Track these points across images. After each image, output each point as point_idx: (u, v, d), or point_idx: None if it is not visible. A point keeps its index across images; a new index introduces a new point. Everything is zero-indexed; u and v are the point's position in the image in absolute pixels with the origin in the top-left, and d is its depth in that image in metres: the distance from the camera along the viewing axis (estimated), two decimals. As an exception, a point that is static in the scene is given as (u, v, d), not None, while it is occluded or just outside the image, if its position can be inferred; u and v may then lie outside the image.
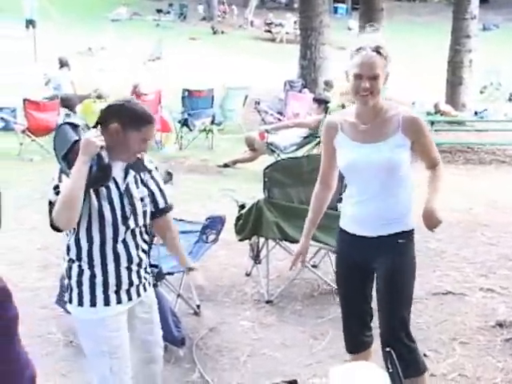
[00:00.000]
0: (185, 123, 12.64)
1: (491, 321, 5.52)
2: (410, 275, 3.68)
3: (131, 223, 3.25)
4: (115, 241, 3.22)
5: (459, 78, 15.97)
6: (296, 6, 33.23)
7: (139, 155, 3.30)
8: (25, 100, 11.64)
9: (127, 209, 3.22)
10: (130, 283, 3.32)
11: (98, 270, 3.22)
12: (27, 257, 6.74)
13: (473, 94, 16.36)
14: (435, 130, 13.01)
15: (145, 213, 3.34)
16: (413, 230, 3.69)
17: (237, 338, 5.22)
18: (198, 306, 5.61)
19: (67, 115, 11.94)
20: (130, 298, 3.34)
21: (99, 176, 3.07)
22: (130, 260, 3.29)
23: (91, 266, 3.21)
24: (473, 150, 13.15)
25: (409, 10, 41.03)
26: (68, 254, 3.27)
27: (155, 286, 4.70)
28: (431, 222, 3.47)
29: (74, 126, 3.13)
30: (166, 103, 13.06)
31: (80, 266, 3.23)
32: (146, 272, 3.46)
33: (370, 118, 3.53)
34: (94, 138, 3.01)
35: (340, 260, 3.92)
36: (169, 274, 5.14)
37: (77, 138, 3.06)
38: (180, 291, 5.41)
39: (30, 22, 22.76)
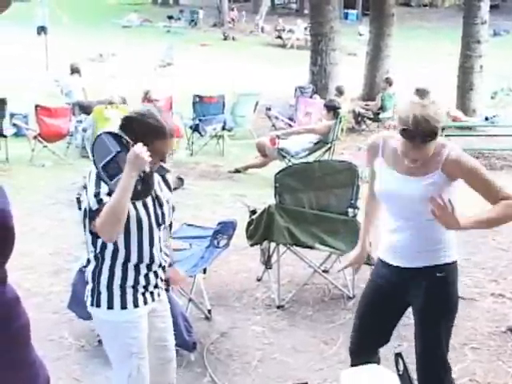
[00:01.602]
0: (196, 129, 12.67)
1: (502, 326, 5.51)
2: (450, 313, 3.57)
3: (162, 226, 3.37)
4: (151, 244, 3.29)
5: (470, 83, 15.95)
6: (306, 12, 33.27)
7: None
8: (37, 106, 11.69)
9: (159, 212, 3.33)
10: (155, 285, 3.42)
11: (130, 273, 3.28)
12: (39, 262, 6.78)
13: (483, 99, 16.33)
14: (445, 136, 12.99)
15: (169, 214, 3.46)
16: (454, 262, 3.54)
17: (248, 343, 5.24)
18: (210, 311, 5.63)
19: (79, 122, 11.98)
20: (153, 299, 3.42)
21: (144, 190, 3.15)
22: (158, 262, 3.38)
23: (125, 269, 3.27)
24: (483, 156, 13.11)
25: (419, 15, 41.03)
26: (100, 257, 3.28)
27: (167, 290, 4.74)
28: (445, 218, 3.26)
29: (115, 136, 3.14)
30: (177, 109, 13.11)
31: (112, 270, 3.26)
32: (164, 273, 3.53)
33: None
34: (143, 153, 3.03)
35: (370, 287, 3.78)
36: (180, 278, 5.17)
37: (119, 149, 3.08)
38: (191, 296, 5.43)
39: (41, 29, 22.82)
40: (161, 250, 3.41)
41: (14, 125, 12.44)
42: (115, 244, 3.22)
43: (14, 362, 1.98)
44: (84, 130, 11.39)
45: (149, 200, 3.28)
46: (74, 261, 5.91)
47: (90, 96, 13.97)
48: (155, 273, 3.39)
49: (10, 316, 2.02)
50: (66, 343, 5.16)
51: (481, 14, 15.87)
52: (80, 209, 3.30)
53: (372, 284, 3.77)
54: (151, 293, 3.40)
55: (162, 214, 3.36)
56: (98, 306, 3.30)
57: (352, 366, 3.78)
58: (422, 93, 14.01)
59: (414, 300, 3.55)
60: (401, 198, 3.41)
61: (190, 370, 4.78)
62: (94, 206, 3.06)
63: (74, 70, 14.22)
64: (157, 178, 3.37)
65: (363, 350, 3.77)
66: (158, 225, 3.34)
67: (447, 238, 3.50)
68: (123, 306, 3.28)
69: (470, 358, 4.98)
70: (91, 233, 3.22)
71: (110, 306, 3.28)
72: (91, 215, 3.09)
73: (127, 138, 3.13)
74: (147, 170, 3.11)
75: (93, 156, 3.16)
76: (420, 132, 3.11)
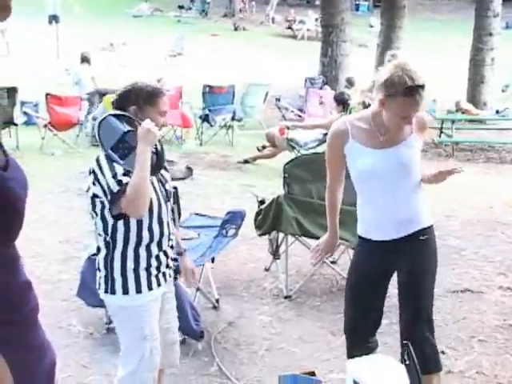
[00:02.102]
0: (205, 119, 12.68)
1: (509, 319, 5.51)
2: (433, 272, 3.73)
3: (169, 204, 3.43)
4: (160, 222, 3.33)
5: (481, 76, 15.91)
6: (317, 3, 33.19)
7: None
8: (47, 95, 11.72)
9: (163, 190, 3.39)
10: (167, 265, 3.45)
11: (142, 256, 3.30)
12: (49, 250, 6.81)
13: (494, 92, 16.28)
14: (456, 129, 12.98)
15: (170, 192, 3.49)
16: (432, 226, 3.74)
17: (255, 333, 5.25)
18: (217, 300, 5.65)
19: (89, 111, 12.02)
20: (165, 280, 3.46)
21: (158, 164, 3.22)
22: (166, 241, 3.41)
23: (137, 252, 3.29)
24: (494, 149, 13.09)
25: (431, 7, 40.85)
26: (111, 242, 3.29)
27: (175, 279, 4.76)
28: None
29: (120, 117, 3.19)
30: (187, 99, 13.12)
31: (124, 254, 3.28)
32: (173, 253, 3.57)
33: (390, 129, 3.56)
34: (153, 127, 3.12)
35: (357, 267, 3.86)
36: (188, 267, 5.18)
37: (125, 129, 3.12)
38: (199, 285, 5.45)
39: (53, 18, 22.82)
40: (169, 227, 3.43)
41: (25, 113, 12.50)
42: (126, 225, 3.23)
43: (20, 344, 1.99)
44: (94, 119, 11.41)
45: (153, 178, 3.31)
46: (83, 249, 5.93)
47: (100, 85, 13.99)
48: (165, 252, 3.41)
49: (21, 301, 2.03)
50: (75, 330, 5.18)
51: (493, 7, 15.82)
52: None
53: (357, 265, 3.87)
54: (163, 274, 3.42)
55: (166, 190, 3.42)
56: (113, 292, 3.31)
57: (350, 356, 3.78)
58: (349, 81, 14.09)
59: (403, 266, 3.68)
60: (385, 172, 3.54)
61: (198, 359, 4.79)
62: (115, 189, 3.10)
63: (84, 59, 14.24)
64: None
65: (360, 338, 3.83)
66: (166, 201, 3.39)
67: (422, 203, 3.70)
68: (138, 290, 3.30)
69: (477, 351, 4.98)
70: (102, 219, 3.24)
71: (126, 292, 3.29)
72: (113, 198, 3.11)
73: (130, 115, 3.21)
74: (158, 144, 3.20)
75: (100, 140, 3.19)
76: (419, 85, 3.38)
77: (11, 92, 11.34)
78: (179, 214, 4.91)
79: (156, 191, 3.31)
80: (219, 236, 5.52)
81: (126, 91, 3.33)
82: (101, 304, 4.56)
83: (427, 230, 3.69)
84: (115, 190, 3.09)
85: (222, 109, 12.81)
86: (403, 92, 3.34)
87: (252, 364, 4.77)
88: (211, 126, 12.80)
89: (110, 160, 3.14)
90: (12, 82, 12.19)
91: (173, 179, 3.75)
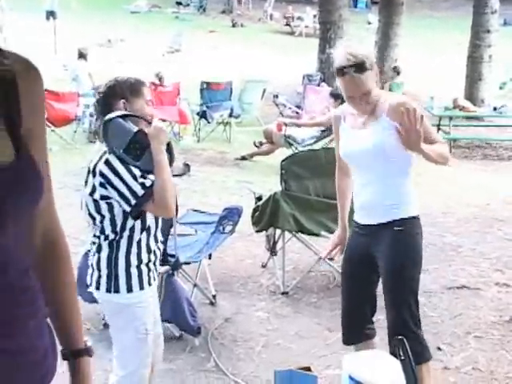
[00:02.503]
0: (203, 115, 12.67)
1: (506, 315, 5.53)
2: (411, 263, 3.67)
3: None
4: (155, 217, 3.35)
5: (478, 73, 15.90)
6: (315, -1, 33.20)
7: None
8: (44, 90, 11.68)
9: None
10: (156, 257, 3.45)
11: (144, 249, 3.30)
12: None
13: (492, 89, 16.27)
14: (453, 126, 12.98)
15: None
16: (413, 218, 3.68)
17: (252, 329, 5.27)
18: (214, 296, 5.66)
19: (86, 106, 11.99)
20: (157, 274, 3.52)
21: (171, 160, 3.20)
22: (158, 234, 3.43)
23: (139, 248, 3.29)
24: (491, 146, 13.11)
25: (429, 4, 40.78)
26: (115, 243, 3.27)
27: (172, 275, 4.78)
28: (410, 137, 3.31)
29: (125, 117, 3.16)
30: (185, 95, 13.11)
31: (128, 253, 3.27)
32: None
33: (366, 113, 3.59)
34: (163, 126, 3.17)
35: (347, 250, 3.94)
36: (185, 263, 5.20)
37: (135, 129, 3.09)
38: (196, 281, 5.46)
39: (50, 14, 22.79)
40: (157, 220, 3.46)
41: (22, 109, 12.47)
42: (133, 224, 3.25)
43: None
44: (92, 115, 11.40)
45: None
46: (80, 245, 5.92)
47: (97, 81, 13.96)
48: (158, 247, 3.44)
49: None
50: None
51: (491, 4, 15.80)
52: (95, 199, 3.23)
53: (347, 248, 3.94)
54: (155, 267, 3.45)
55: None
56: (117, 291, 3.29)
57: (345, 341, 3.95)
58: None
59: (379, 255, 3.68)
60: (359, 153, 3.60)
61: (195, 355, 4.81)
62: (140, 192, 3.10)
63: (81, 55, 14.22)
64: None
65: (354, 325, 3.89)
66: None
67: (403, 193, 3.64)
68: (141, 287, 3.31)
69: (473, 347, 5.00)
70: (111, 219, 3.21)
71: (130, 290, 3.29)
72: (139, 201, 3.11)
73: (122, 108, 3.22)
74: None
75: (108, 142, 3.14)
76: (350, 65, 3.36)
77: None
78: (176, 211, 4.91)
79: None
80: (216, 232, 5.53)
81: (111, 86, 3.33)
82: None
83: (405, 222, 3.63)
84: (140, 194, 3.10)
85: (220, 105, 12.81)
86: (336, 72, 3.43)
87: (249, 360, 4.79)
88: (209, 122, 12.79)
89: (124, 162, 3.12)
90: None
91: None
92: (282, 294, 5.87)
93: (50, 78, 15.20)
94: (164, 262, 4.54)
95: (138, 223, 3.24)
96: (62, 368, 1.91)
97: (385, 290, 3.70)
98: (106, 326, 4.95)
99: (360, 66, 3.38)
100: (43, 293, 1.83)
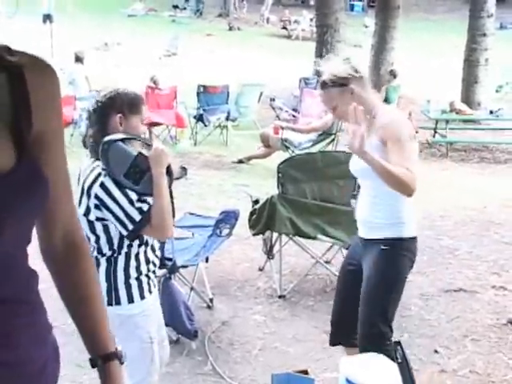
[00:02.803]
0: (200, 119, 12.65)
1: (503, 318, 5.53)
2: (384, 285, 3.65)
3: None
4: None
5: (475, 76, 15.92)
6: (312, 3, 33.19)
7: None
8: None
9: None
10: (155, 265, 3.43)
11: (142, 259, 3.28)
12: (43, 249, 6.79)
13: (488, 92, 16.30)
14: (450, 129, 12.99)
15: None
16: (402, 239, 3.63)
17: (249, 332, 5.27)
18: (211, 300, 5.66)
19: (83, 110, 11.97)
20: (156, 282, 3.49)
21: (170, 182, 3.16)
22: (156, 246, 3.42)
23: (138, 259, 3.26)
24: (488, 149, 13.11)
25: (425, 7, 40.84)
26: (114, 256, 3.25)
27: (169, 278, 4.77)
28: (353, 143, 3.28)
29: (125, 140, 3.10)
30: (182, 99, 13.10)
31: (127, 264, 3.25)
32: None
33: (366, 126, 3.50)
34: (164, 149, 3.08)
35: (347, 255, 4.09)
36: (182, 267, 5.20)
37: (135, 153, 3.04)
38: (193, 284, 5.46)
39: (47, 17, 22.77)
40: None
41: (19, 112, 12.46)
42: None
43: None
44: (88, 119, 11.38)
45: None
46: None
47: (94, 85, 13.96)
48: (156, 255, 3.43)
49: None
50: (69, 329, 5.14)
51: (487, 7, 15.82)
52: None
53: (342, 269, 4.05)
54: (154, 274, 3.43)
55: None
56: (119, 303, 3.27)
57: (330, 343, 4.13)
58: None
59: (364, 269, 3.71)
60: (353, 171, 3.77)
61: (192, 358, 4.81)
62: (137, 218, 3.07)
63: (78, 59, 14.21)
64: None
65: (343, 327, 3.98)
66: None
67: (394, 213, 3.62)
68: (142, 297, 3.29)
69: (470, 350, 5.01)
70: (108, 239, 3.19)
71: (131, 300, 3.27)
72: (136, 227, 3.09)
73: (132, 136, 3.14)
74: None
75: (108, 166, 3.07)
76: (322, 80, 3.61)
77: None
78: (173, 214, 4.91)
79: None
80: (213, 236, 5.53)
81: (110, 98, 3.24)
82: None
83: (393, 242, 3.61)
84: (137, 219, 3.07)
85: (217, 109, 12.80)
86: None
87: (246, 363, 4.79)
88: (205, 125, 12.77)
89: (120, 186, 3.08)
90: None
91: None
92: (279, 297, 5.87)
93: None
94: (161, 265, 4.53)
95: (136, 240, 3.23)
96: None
97: (360, 303, 3.72)
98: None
99: (325, 84, 3.60)
100: (67, 296, 1.82)
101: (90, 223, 3.17)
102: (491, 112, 13.99)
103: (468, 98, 15.73)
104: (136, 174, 3.03)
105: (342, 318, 3.99)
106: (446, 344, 5.08)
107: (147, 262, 3.32)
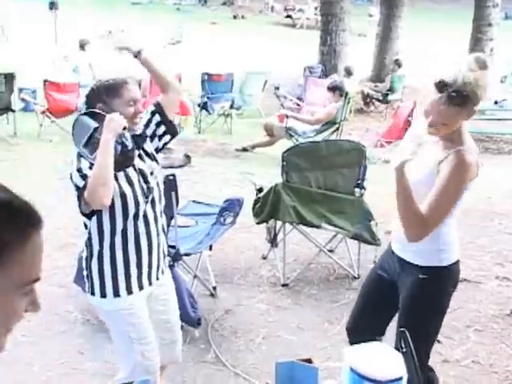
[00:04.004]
0: (204, 107, 12.65)
1: (506, 309, 5.53)
2: (428, 320, 3.36)
3: (150, 198, 3.27)
4: (136, 220, 3.21)
5: (480, 66, 15.87)
6: (317, -9, 33.11)
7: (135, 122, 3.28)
8: (45, 81, 11.69)
9: (145, 186, 3.24)
10: (150, 266, 3.31)
11: (119, 255, 3.20)
12: (46, 236, 6.69)
13: (493, 83, 16.24)
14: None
15: (157, 185, 3.36)
16: (445, 267, 3.28)
17: (252, 321, 5.27)
18: (215, 288, 5.66)
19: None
20: (150, 283, 3.35)
21: (124, 157, 3.08)
22: (150, 243, 3.28)
23: (113, 253, 3.20)
24: (492, 140, 13.09)
25: (430, -3, 40.77)
26: (89, 243, 3.24)
27: (172, 266, 4.76)
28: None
29: (93, 114, 3.12)
30: (186, 87, 13.07)
31: (101, 256, 3.21)
32: (163, 254, 3.46)
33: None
34: (117, 116, 3.04)
35: (381, 258, 3.67)
36: (186, 255, 5.20)
37: (96, 125, 3.06)
38: (197, 272, 5.46)
39: (53, 4, 22.76)
40: (157, 229, 3.33)
41: (23, 99, 12.45)
42: (100, 225, 3.17)
43: None
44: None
45: (133, 174, 3.19)
46: (80, 236, 5.92)
47: (97, 72, 13.94)
48: (149, 253, 3.30)
49: None
50: (72, 317, 5.19)
51: (493, -3, 15.80)
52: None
53: (372, 271, 3.73)
54: (148, 274, 3.32)
55: (148, 187, 3.26)
56: (93, 293, 3.26)
57: (350, 342, 3.78)
58: (348, 70, 14.11)
59: (400, 293, 3.40)
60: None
61: (195, 346, 4.82)
62: (81, 183, 3.01)
63: (82, 46, 14.21)
64: (136, 151, 3.26)
65: (358, 334, 3.65)
66: (146, 199, 3.24)
67: (440, 241, 3.24)
68: (116, 295, 3.23)
69: (473, 340, 5.01)
70: (84, 215, 3.17)
71: (103, 295, 3.23)
72: (79, 193, 3.02)
73: (99, 110, 3.13)
74: (127, 138, 3.09)
75: (73, 138, 3.14)
76: (454, 88, 3.00)
77: (9, 78, 11.29)
78: (177, 202, 4.91)
79: (134, 188, 3.18)
80: (217, 224, 5.53)
81: (90, 90, 3.28)
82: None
83: (432, 270, 3.26)
84: (81, 185, 3.01)
85: (221, 97, 12.79)
86: (435, 84, 3.15)
87: (249, 352, 4.79)
88: (210, 113, 12.77)
89: (79, 156, 3.09)
90: (10, 68, 12.14)
91: (171, 167, 3.71)
92: (283, 285, 5.87)
93: (50, 69, 15.20)
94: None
95: (107, 225, 3.17)
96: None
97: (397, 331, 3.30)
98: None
99: (460, 96, 3.05)
100: None
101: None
102: (496, 102, 13.95)
103: (473, 88, 15.68)
104: (93, 145, 3.03)
105: (359, 326, 3.73)
106: (449, 334, 5.07)
107: (126, 262, 3.22)
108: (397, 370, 2.03)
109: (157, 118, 3.42)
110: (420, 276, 3.25)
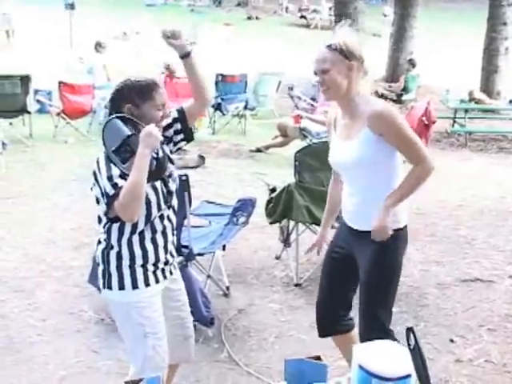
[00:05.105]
0: (218, 108, 12.69)
1: (519, 308, 5.53)
2: (386, 281, 3.59)
3: (169, 203, 3.30)
4: (160, 221, 3.26)
5: (494, 65, 15.84)
6: (331, -8, 33.03)
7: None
8: (60, 83, 11.77)
9: (165, 190, 3.26)
10: (166, 262, 3.36)
11: (137, 252, 3.23)
12: (61, 236, 6.86)
13: (508, 82, 16.19)
14: (469, 118, 12.93)
15: (175, 189, 3.38)
16: (399, 229, 3.52)
17: (265, 320, 5.29)
18: (228, 288, 5.68)
19: (102, 98, 12.03)
20: (165, 277, 3.38)
21: (158, 170, 3.10)
22: (165, 238, 3.33)
23: (131, 250, 3.23)
24: (506, 139, 13.04)
25: (445, -4, 40.63)
26: (108, 239, 3.26)
27: (185, 266, 4.80)
28: (379, 234, 3.40)
29: (126, 120, 3.09)
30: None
31: (119, 252, 3.23)
32: (174, 249, 3.49)
33: (347, 114, 3.53)
34: (155, 130, 3.02)
35: (332, 243, 3.89)
36: (199, 254, 5.23)
37: (129, 132, 3.02)
38: (210, 272, 5.49)
39: (69, 6, 22.89)
40: (172, 227, 3.37)
41: (38, 101, 12.53)
42: (122, 224, 3.19)
43: None
44: (106, 107, 11.41)
45: (157, 181, 3.21)
46: (94, 236, 5.97)
47: (112, 74, 14.00)
48: (165, 248, 3.34)
49: None
50: (86, 316, 5.23)
51: (508, -4, 15.73)
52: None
53: (326, 256, 3.91)
54: (162, 270, 3.35)
55: (168, 191, 3.29)
56: (110, 287, 3.27)
57: (319, 334, 4.11)
58: None
59: (359, 262, 3.63)
60: (343, 164, 3.55)
61: (208, 346, 4.84)
62: (111, 192, 3.01)
63: (97, 48, 14.28)
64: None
65: (323, 316, 4.02)
66: (167, 203, 3.28)
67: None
68: (134, 286, 3.24)
69: (486, 340, 5.00)
70: (111, 219, 3.18)
71: (122, 287, 3.24)
72: (108, 201, 3.04)
73: (134, 118, 3.10)
74: (161, 150, 3.11)
75: (103, 140, 3.10)
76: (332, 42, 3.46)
77: (25, 80, 11.38)
78: (190, 202, 4.94)
79: (157, 194, 3.21)
80: (230, 224, 5.55)
81: (119, 89, 3.22)
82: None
83: (392, 234, 3.48)
84: (111, 194, 3.01)
85: (235, 98, 12.82)
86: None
87: (261, 351, 4.81)
88: (224, 114, 12.81)
89: (108, 161, 3.06)
90: (25, 70, 12.22)
91: (185, 167, 3.73)
92: (296, 285, 5.88)
93: (65, 71, 15.30)
94: (178, 253, 4.56)
95: (128, 227, 3.19)
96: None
97: (360, 299, 3.66)
98: (120, 316, 4.99)
99: (329, 45, 3.48)
100: None
101: (96, 199, 3.17)
102: (511, 101, 13.91)
103: (487, 87, 15.65)
104: (125, 153, 3.01)
105: (328, 306, 3.96)
106: (462, 333, 5.07)
107: (144, 252, 3.25)
108: (405, 367, 2.04)
109: (177, 126, 3.41)
110: (372, 240, 3.46)
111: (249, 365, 4.59)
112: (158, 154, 3.11)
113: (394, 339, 3.47)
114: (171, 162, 3.40)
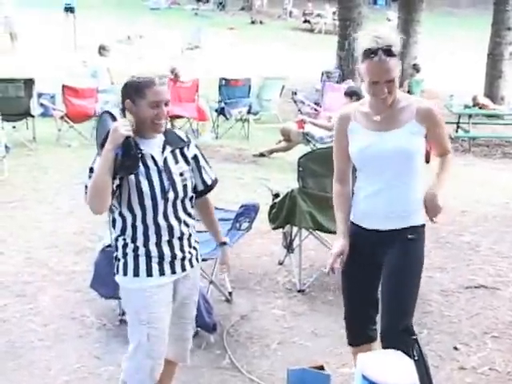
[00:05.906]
0: (221, 112, 12.67)
1: (524, 316, 5.49)
2: (417, 273, 3.59)
3: (170, 196, 3.31)
4: (155, 213, 3.29)
5: (498, 71, 15.84)
6: (335, -4, 33.06)
7: (168, 127, 3.39)
8: (64, 86, 11.76)
9: (166, 184, 3.29)
10: (173, 256, 3.39)
11: (140, 242, 3.30)
12: (63, 241, 6.84)
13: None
14: (473, 123, 12.91)
15: (185, 187, 3.40)
16: (423, 225, 3.60)
17: (268, 326, 5.26)
18: (230, 294, 5.66)
19: (105, 102, 12.02)
20: (173, 271, 3.41)
21: (125, 164, 3.12)
22: (171, 233, 3.36)
23: (134, 239, 3.30)
24: (511, 144, 13.01)
25: (449, 1, 40.59)
26: (114, 228, 3.39)
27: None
28: (432, 207, 3.44)
29: (112, 115, 3.21)
30: (203, 92, 13.10)
31: (125, 240, 3.34)
32: (190, 247, 3.53)
33: (384, 110, 3.49)
34: (120, 126, 3.07)
35: (351, 254, 3.67)
36: (202, 260, 5.19)
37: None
38: (213, 278, 5.46)
39: (68, 9, 22.92)
40: (179, 221, 3.39)
41: (42, 105, 12.52)
42: (121, 214, 3.30)
43: None
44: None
45: (153, 172, 3.26)
46: (97, 240, 5.95)
47: (116, 78, 14.00)
48: (169, 243, 3.37)
49: None
50: (88, 321, 5.21)
51: (512, 1, 15.73)
52: None
53: (346, 270, 3.74)
54: (170, 264, 3.38)
55: (172, 184, 3.31)
56: (117, 272, 3.39)
57: (350, 344, 3.95)
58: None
59: (386, 260, 3.58)
60: (383, 153, 3.47)
61: (210, 352, 4.81)
62: (87, 182, 3.16)
63: (100, 52, 14.28)
64: (169, 149, 3.37)
65: (357, 326, 3.89)
66: (164, 194, 3.28)
67: (416, 200, 3.53)
68: (136, 274, 3.33)
69: (490, 347, 4.97)
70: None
71: (125, 273, 3.35)
72: (85, 191, 3.17)
73: (127, 106, 3.23)
74: (133, 145, 3.12)
75: (96, 132, 3.27)
76: (380, 47, 3.31)
77: (28, 83, 11.36)
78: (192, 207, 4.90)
79: (152, 185, 3.25)
80: (233, 229, 5.52)
81: (123, 86, 3.33)
82: (114, 295, 4.60)
83: (418, 229, 3.57)
84: (87, 184, 3.16)
85: (238, 102, 12.80)
86: (365, 54, 3.34)
87: (264, 357, 4.78)
88: (227, 119, 12.79)
89: (97, 155, 3.19)
90: (29, 74, 12.22)
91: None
92: (299, 291, 5.86)
93: (69, 74, 15.29)
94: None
95: (126, 211, 3.28)
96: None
97: (389, 296, 3.57)
98: (121, 321, 4.98)
99: (388, 50, 3.34)
100: None
101: None
102: (515, 107, 13.90)
103: (491, 92, 15.64)
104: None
105: (358, 317, 3.88)
106: (466, 341, 5.04)
107: (145, 242, 3.31)
108: (409, 377, 2.02)
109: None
110: (409, 237, 3.52)
111: (251, 371, 4.56)
112: (125, 148, 3.11)
113: (415, 338, 3.43)
114: (189, 165, 3.50)
